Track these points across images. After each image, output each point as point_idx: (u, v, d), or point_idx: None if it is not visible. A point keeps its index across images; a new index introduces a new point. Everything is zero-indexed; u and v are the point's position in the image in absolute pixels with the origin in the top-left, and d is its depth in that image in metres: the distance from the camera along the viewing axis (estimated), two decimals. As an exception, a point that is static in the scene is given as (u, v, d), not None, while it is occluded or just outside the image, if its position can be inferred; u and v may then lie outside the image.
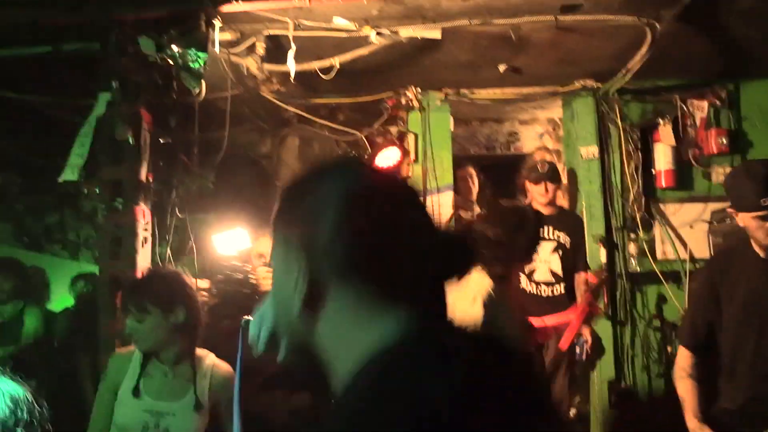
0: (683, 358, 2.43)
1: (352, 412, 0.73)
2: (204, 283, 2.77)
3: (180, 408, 2.24)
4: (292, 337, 0.87)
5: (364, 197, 0.86)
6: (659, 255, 4.11)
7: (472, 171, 4.68)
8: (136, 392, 2.22)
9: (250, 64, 3.27)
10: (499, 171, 5.03)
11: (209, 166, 3.92)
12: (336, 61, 3.31)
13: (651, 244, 4.09)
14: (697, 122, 4.17)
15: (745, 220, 2.15)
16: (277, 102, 3.82)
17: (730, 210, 2.24)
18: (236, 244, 2.82)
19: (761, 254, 2.19)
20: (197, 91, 3.02)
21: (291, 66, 3.10)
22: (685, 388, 2.35)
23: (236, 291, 2.76)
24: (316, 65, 3.35)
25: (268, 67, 3.32)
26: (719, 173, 4.13)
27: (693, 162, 4.15)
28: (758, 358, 2.16)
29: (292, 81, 3.27)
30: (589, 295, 3.70)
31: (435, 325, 0.83)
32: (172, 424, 2.20)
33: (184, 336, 2.29)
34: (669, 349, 3.97)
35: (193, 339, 2.31)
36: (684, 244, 4.11)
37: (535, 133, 5.21)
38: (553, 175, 3.98)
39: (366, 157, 4.25)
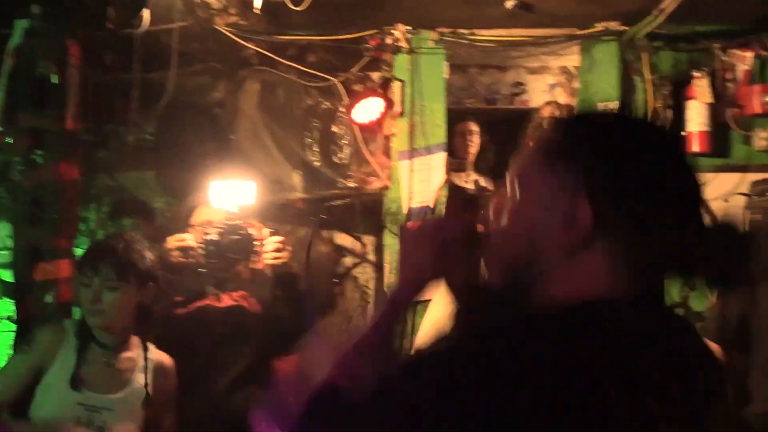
0: None
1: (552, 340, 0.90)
2: (190, 239, 2.72)
3: (119, 402, 2.25)
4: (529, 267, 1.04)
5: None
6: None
7: (472, 127, 4.67)
8: (75, 383, 2.22)
9: (204, -11, 3.21)
10: (500, 128, 5.03)
11: (150, 115, 3.86)
12: (309, -11, 3.26)
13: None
14: (739, 77, 4.18)
15: None
16: (235, 38, 3.75)
17: None
18: (240, 197, 2.78)
19: None
20: (138, 21, 2.95)
21: (254, -7, 3.04)
22: None
23: (227, 257, 2.70)
24: (284, -7, 3.29)
25: (225, -7, 3.25)
26: (762, 138, 4.17)
27: (732, 124, 4.18)
28: None
29: (255, 12, 3.20)
30: None
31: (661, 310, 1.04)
32: (109, 420, 2.21)
33: (142, 319, 2.32)
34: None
35: (149, 325, 2.34)
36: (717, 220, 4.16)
37: (545, 84, 5.19)
38: None
39: (341, 107, 4.22)
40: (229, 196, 2.74)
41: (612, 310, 0.96)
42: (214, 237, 2.70)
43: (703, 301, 4.04)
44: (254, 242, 2.72)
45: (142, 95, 3.67)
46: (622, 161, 1.01)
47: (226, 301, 2.75)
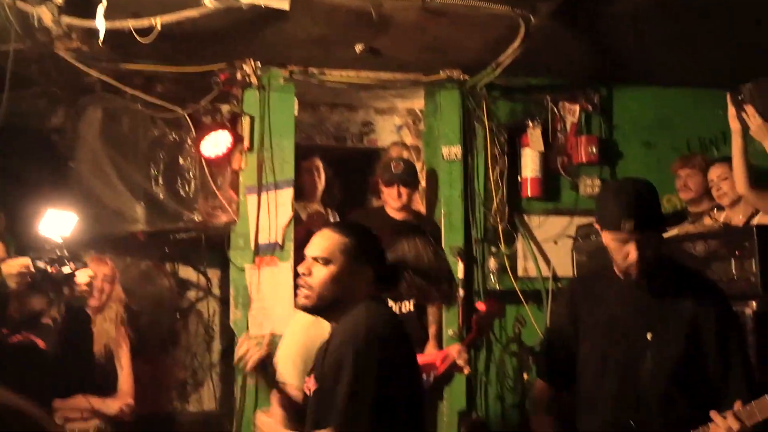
0: (540, 392, 2.63)
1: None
2: (23, 260, 2.56)
3: None
4: None
5: None
6: (520, 272, 4.40)
7: (318, 164, 4.71)
8: None
9: (44, 13, 3.07)
10: (349, 166, 5.13)
11: (-21, 139, 3.63)
12: (157, 22, 3.19)
13: (512, 259, 4.37)
14: (568, 127, 4.51)
15: (605, 238, 2.38)
16: (77, 64, 3.61)
17: (596, 225, 2.46)
18: (62, 227, 2.65)
19: (622, 277, 2.43)
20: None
21: (100, 24, 2.95)
22: (540, 424, 2.55)
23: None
24: (131, 24, 3.21)
25: (67, 20, 3.13)
26: (587, 184, 4.50)
27: (561, 171, 4.49)
28: (623, 385, 2.37)
29: (99, 42, 3.11)
30: (473, 333, 3.44)
31: None
32: None
33: None
34: (526, 376, 4.26)
35: None
36: (547, 261, 4.44)
37: (392, 125, 5.37)
38: (408, 177, 4.12)
39: (189, 140, 4.15)
40: (51, 226, 2.64)
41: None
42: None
43: (533, 337, 4.28)
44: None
45: (-30, 119, 3.43)
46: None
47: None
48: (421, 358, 3.05)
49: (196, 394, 4.79)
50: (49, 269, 2.60)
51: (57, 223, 2.62)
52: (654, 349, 2.35)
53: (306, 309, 2.30)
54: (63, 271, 2.59)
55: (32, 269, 2.60)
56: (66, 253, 2.64)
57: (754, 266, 3.05)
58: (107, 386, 3.68)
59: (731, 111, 3.34)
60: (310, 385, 2.22)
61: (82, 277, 2.61)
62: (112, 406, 3.65)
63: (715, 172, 3.81)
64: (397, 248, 2.69)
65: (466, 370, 3.22)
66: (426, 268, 2.70)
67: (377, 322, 2.20)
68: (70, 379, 2.71)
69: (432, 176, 4.50)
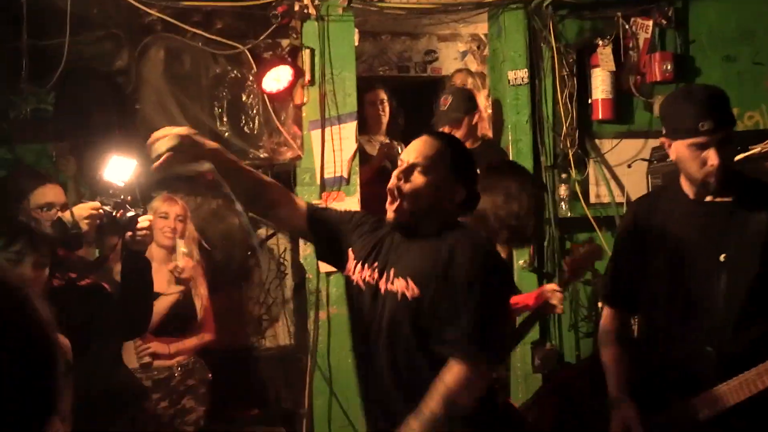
0: (607, 319, 2.53)
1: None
2: (94, 203, 2.64)
3: None
4: None
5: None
6: (592, 198, 4.27)
7: (383, 95, 4.64)
8: None
9: (98, -49, 3.05)
10: (413, 96, 5.03)
11: (46, 84, 3.68)
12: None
13: (584, 185, 4.23)
14: (641, 44, 4.29)
15: (679, 149, 2.23)
16: (136, 3, 3.60)
17: (663, 140, 2.32)
18: (124, 172, 2.69)
19: (690, 195, 2.29)
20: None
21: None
22: (609, 356, 2.47)
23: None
24: (185, -42, 3.17)
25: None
26: (662, 105, 4.30)
27: (634, 91, 4.29)
28: (696, 311, 2.26)
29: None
30: (568, 274, 3.38)
31: None
32: None
33: None
34: (600, 305, 4.16)
35: None
36: (621, 186, 4.28)
37: (456, 51, 5.23)
38: (456, 113, 3.98)
39: (250, 76, 4.12)
40: (113, 172, 2.65)
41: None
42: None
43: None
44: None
45: (36, 62, 3.48)
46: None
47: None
48: (514, 297, 3.01)
49: (272, 330, 4.88)
50: (115, 213, 2.63)
51: (120, 168, 2.64)
52: (728, 271, 2.21)
53: (398, 225, 2.16)
54: (127, 215, 2.62)
55: (102, 212, 2.63)
56: (129, 198, 2.67)
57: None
58: (185, 327, 3.74)
59: None
60: (399, 287, 2.11)
61: (142, 222, 2.64)
62: (190, 343, 3.73)
63: None
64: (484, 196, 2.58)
65: (559, 310, 3.12)
66: (516, 212, 2.63)
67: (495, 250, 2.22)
68: (136, 321, 2.77)
69: (498, 102, 4.36)
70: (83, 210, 2.61)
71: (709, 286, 2.24)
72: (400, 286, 2.09)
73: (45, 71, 3.58)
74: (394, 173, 2.16)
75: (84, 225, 2.58)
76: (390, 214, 2.14)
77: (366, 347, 2.20)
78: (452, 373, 2.01)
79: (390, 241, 2.21)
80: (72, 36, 3.50)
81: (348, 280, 2.28)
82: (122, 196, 2.67)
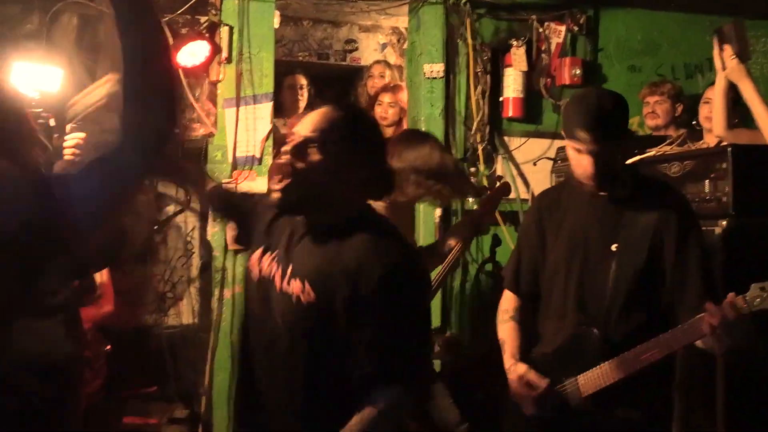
0: (507, 301, 2.67)
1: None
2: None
3: None
4: None
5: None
6: (500, 193, 4.40)
7: (302, 81, 4.65)
8: None
9: None
10: (331, 85, 5.07)
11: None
12: None
13: (491, 180, 4.36)
14: (552, 48, 4.45)
15: (567, 148, 2.38)
16: (50, -34, 3.50)
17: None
18: (44, 82, 2.55)
19: (584, 188, 2.43)
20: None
21: None
22: (506, 331, 2.60)
23: None
24: None
25: None
26: (569, 107, 4.47)
27: (543, 92, 4.45)
28: (587, 295, 2.41)
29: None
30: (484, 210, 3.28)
31: None
32: None
33: None
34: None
35: None
36: (526, 183, 4.43)
37: (376, 43, 5.29)
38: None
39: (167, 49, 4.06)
40: (32, 81, 2.52)
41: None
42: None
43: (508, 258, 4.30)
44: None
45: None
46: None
47: None
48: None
49: (175, 308, 4.82)
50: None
51: (36, 76, 2.51)
52: (618, 260, 2.37)
53: (283, 205, 1.84)
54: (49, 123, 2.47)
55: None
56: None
57: (727, 186, 3.05)
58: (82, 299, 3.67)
59: (716, 50, 3.30)
60: (294, 288, 1.86)
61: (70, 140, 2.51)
62: (88, 313, 3.66)
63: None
64: (405, 156, 2.64)
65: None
66: (437, 170, 2.66)
67: (411, 252, 1.93)
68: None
69: (414, 94, 4.45)
70: None
71: (600, 273, 2.39)
72: (296, 288, 1.85)
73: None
74: (284, 148, 1.85)
75: None
76: (275, 194, 1.83)
77: (257, 347, 1.95)
78: (368, 404, 1.76)
79: (291, 231, 1.94)
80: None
81: (247, 270, 2.03)
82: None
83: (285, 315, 1.87)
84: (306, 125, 1.84)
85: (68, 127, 2.62)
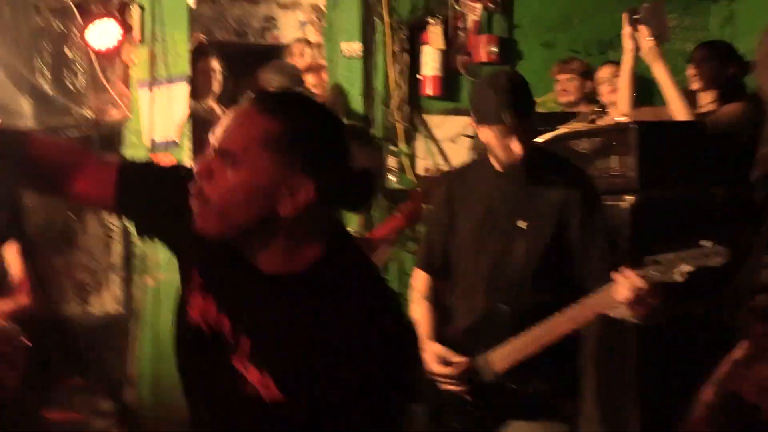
0: (419, 281, 2.70)
1: None
2: None
3: None
4: None
5: None
6: (420, 170, 4.45)
7: (215, 65, 4.57)
8: None
9: None
10: (250, 63, 4.98)
11: None
12: None
13: (412, 158, 4.40)
14: (469, 26, 4.49)
15: (485, 134, 2.41)
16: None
17: (471, 123, 2.48)
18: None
19: (498, 167, 2.48)
20: None
21: None
22: (420, 311, 2.64)
23: None
24: None
25: None
26: (487, 84, 4.53)
27: (461, 70, 4.49)
28: (496, 272, 2.46)
29: None
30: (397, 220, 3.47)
31: None
32: None
33: None
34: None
35: None
36: (447, 160, 4.49)
37: (296, 21, 5.23)
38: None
39: (76, 30, 3.96)
40: None
41: None
42: None
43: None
44: None
45: None
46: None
47: None
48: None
49: (98, 297, 4.74)
50: None
51: None
52: (525, 237, 2.43)
53: (211, 237, 1.29)
54: None
55: None
56: None
57: (633, 162, 3.15)
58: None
59: (626, 29, 3.37)
60: (253, 377, 1.29)
61: None
62: (3, 306, 3.56)
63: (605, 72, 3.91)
64: None
65: None
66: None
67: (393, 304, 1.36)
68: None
69: (332, 73, 4.43)
70: None
71: (508, 250, 2.45)
72: (254, 377, 1.29)
73: None
74: (195, 165, 1.31)
75: None
76: (198, 222, 1.28)
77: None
78: None
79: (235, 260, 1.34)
80: None
81: (181, 308, 1.40)
82: None
83: (240, 403, 1.32)
84: (220, 130, 1.29)
85: None
